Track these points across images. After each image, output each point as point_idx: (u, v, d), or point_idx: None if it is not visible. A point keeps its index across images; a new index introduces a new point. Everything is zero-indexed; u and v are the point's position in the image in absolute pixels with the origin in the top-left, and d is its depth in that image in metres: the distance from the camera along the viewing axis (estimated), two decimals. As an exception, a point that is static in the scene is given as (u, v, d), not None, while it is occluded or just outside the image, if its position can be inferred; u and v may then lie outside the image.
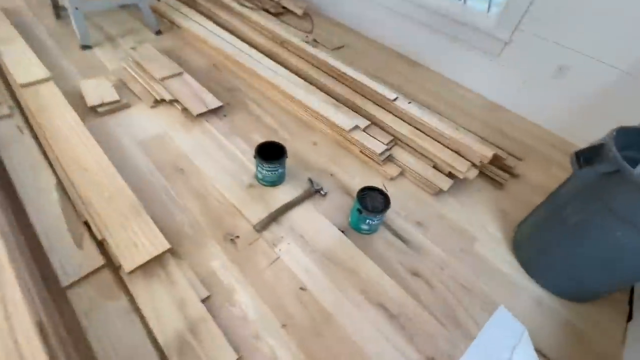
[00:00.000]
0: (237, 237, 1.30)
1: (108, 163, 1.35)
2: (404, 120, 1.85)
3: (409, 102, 1.93)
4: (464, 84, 2.34)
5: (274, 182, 1.50)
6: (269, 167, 1.40)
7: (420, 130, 1.80)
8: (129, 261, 1.07)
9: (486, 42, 2.12)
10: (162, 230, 1.25)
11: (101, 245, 1.14)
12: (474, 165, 1.68)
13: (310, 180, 1.54)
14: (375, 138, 1.74)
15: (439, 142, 1.75)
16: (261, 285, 1.18)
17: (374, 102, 1.93)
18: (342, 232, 1.39)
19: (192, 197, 1.41)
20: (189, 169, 1.52)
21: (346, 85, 2.02)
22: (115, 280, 1.09)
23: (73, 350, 0.91)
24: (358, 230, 1.40)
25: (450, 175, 1.67)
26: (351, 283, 1.23)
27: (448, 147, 1.72)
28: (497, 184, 1.75)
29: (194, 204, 1.38)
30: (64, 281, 1.04)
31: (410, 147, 1.77)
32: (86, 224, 1.19)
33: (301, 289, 1.19)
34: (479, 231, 1.51)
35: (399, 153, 1.75)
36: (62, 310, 0.99)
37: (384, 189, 1.40)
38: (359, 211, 1.31)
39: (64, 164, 1.32)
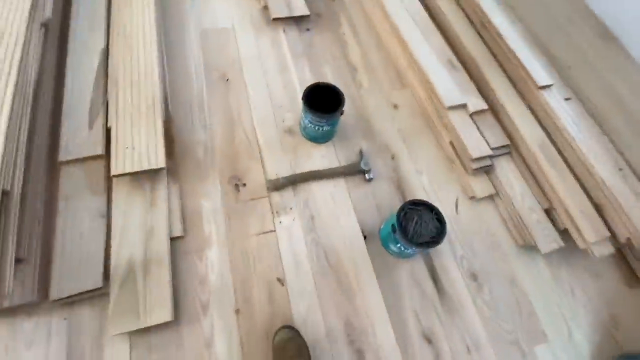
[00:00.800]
0: (244, 185, 1.08)
1: (153, 41, 1.18)
2: (541, 124, 1.20)
3: (567, 99, 1.24)
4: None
5: (316, 139, 1.17)
6: (315, 119, 1.05)
7: (560, 151, 1.16)
8: (119, 164, 0.96)
9: None
10: (174, 141, 1.09)
11: (108, 133, 1.05)
12: (614, 239, 1.04)
13: (361, 154, 1.16)
14: (482, 134, 1.19)
15: (579, 180, 1.11)
16: (239, 252, 0.98)
17: (511, 81, 1.28)
18: (365, 236, 1.05)
19: (222, 118, 1.19)
20: (235, 82, 1.27)
21: (483, 42, 1.37)
22: (106, 175, 1.02)
23: (37, 226, 0.89)
24: (385, 246, 1.04)
25: (564, 233, 1.09)
26: (339, 306, 0.95)
27: (590, 196, 1.09)
28: (634, 279, 1.10)
29: (219, 127, 1.17)
30: (63, 156, 1.00)
31: (529, 167, 1.18)
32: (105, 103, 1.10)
33: (278, 280, 0.96)
34: (559, 330, 1.00)
35: (505, 168, 1.19)
36: (49, 184, 0.97)
37: (442, 214, 0.95)
38: (393, 229, 0.93)
39: (114, 29, 1.19)
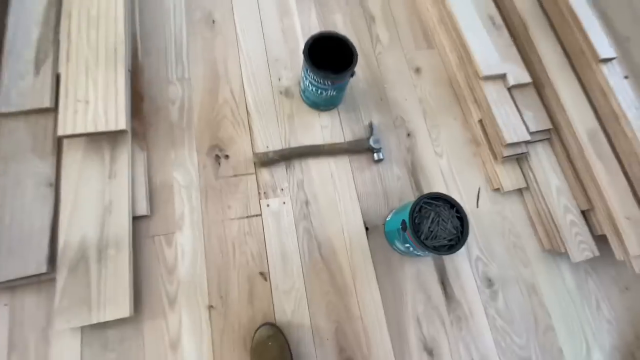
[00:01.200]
0: (226, 157, 0.89)
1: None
2: (593, 107, 0.98)
3: (625, 77, 1.00)
4: None
5: (318, 105, 0.95)
6: (318, 80, 0.84)
7: (611, 142, 0.95)
8: (68, 122, 0.77)
9: None
10: (142, 97, 0.89)
11: (58, 82, 0.84)
12: (663, 253, 0.88)
13: (372, 128, 0.96)
14: (520, 114, 0.97)
15: (630, 180, 0.92)
16: (216, 238, 0.82)
17: (565, 50, 1.04)
18: (367, 228, 0.89)
19: (204, 71, 0.97)
20: (223, 25, 1.02)
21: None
22: (56, 135, 0.82)
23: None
24: (390, 241, 0.88)
25: (599, 239, 0.92)
26: (330, 308, 0.81)
27: (641, 199, 0.90)
28: (675, 298, 0.96)
29: (200, 82, 0.95)
30: (2, 106, 0.80)
31: (571, 159, 0.98)
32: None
33: (261, 274, 0.81)
34: (578, 348, 0.88)
35: (542, 157, 0.99)
36: (-17, 141, 0.78)
37: (465, 213, 0.77)
38: (403, 225, 0.76)
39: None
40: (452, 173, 0.98)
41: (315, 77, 0.83)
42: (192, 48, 0.98)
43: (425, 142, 1.00)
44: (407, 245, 0.78)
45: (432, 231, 0.75)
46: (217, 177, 0.87)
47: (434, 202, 0.77)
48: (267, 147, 0.92)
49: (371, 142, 0.93)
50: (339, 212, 0.89)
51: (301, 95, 0.97)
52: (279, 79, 0.99)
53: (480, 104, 1.00)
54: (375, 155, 0.93)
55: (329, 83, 0.84)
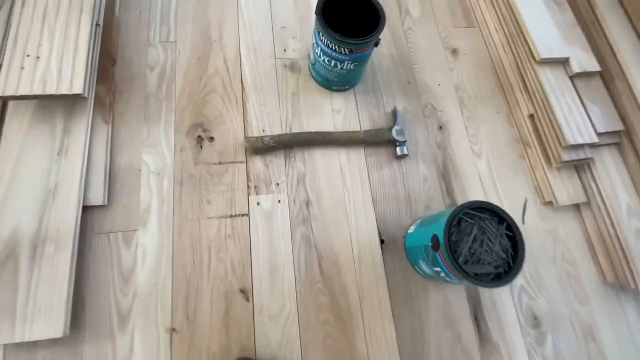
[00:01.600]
0: (211, 139, 0.71)
1: None
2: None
3: None
4: None
5: (331, 83, 0.77)
6: (333, 46, 0.65)
7: None
8: (10, 80, 0.60)
9: None
10: (114, 59, 0.72)
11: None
12: None
13: (395, 115, 0.77)
14: (585, 108, 0.77)
15: None
16: (189, 241, 0.64)
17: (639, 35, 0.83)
18: (382, 241, 0.69)
19: (194, 34, 0.79)
20: (222, -16, 0.85)
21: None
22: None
23: None
24: (412, 260, 0.68)
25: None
26: (329, 342, 0.62)
27: None
28: None
29: (187, 47, 0.78)
30: None
31: (648, 169, 0.77)
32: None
33: (242, 291, 0.63)
34: None
35: (609, 165, 0.78)
36: None
37: (519, 231, 0.57)
38: (434, 243, 0.57)
39: None
40: (492, 178, 0.78)
41: (329, 42, 0.64)
42: (182, 6, 0.81)
43: (461, 137, 0.80)
44: (437, 269, 0.58)
45: (473, 253, 0.55)
46: (196, 163, 0.69)
47: (477, 213, 0.57)
48: (263, 130, 0.73)
49: (394, 133, 0.74)
50: (347, 217, 0.70)
51: (310, 71, 0.79)
52: (284, 50, 0.81)
53: (534, 94, 0.80)
54: (398, 149, 0.74)
55: (347, 51, 0.65)
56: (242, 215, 0.67)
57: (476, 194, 0.76)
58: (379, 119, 0.79)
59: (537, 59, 0.77)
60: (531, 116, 0.81)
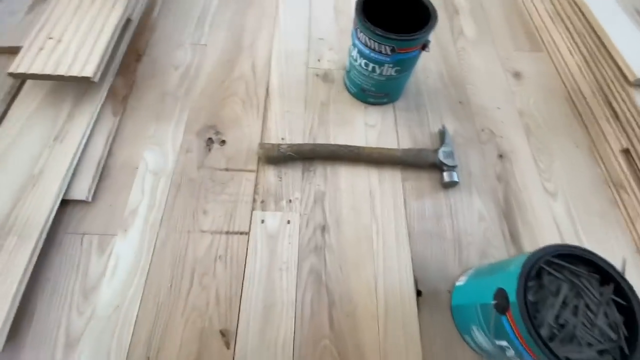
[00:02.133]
0: (222, 142, 0.62)
1: None
2: None
3: None
4: None
5: (365, 94, 0.66)
6: (372, 45, 0.56)
7: None
8: (26, 59, 0.57)
9: None
10: (140, 54, 0.69)
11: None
12: None
13: (443, 135, 0.63)
14: None
15: None
16: (171, 257, 0.52)
17: None
18: (419, 292, 0.51)
19: (226, 39, 0.76)
20: (263, -3, 0.83)
21: None
22: (21, 80, 0.63)
23: None
24: (460, 324, 0.49)
25: None
26: None
27: None
28: None
29: (217, 50, 0.74)
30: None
31: None
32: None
33: (222, 333, 0.47)
34: None
35: None
36: None
37: (634, 293, 0.37)
38: (499, 305, 0.38)
39: None
40: (574, 226, 0.58)
41: (368, 39, 0.55)
42: (219, 15, 0.79)
43: (529, 170, 0.63)
44: (502, 342, 0.39)
45: (563, 325, 0.36)
46: (201, 166, 0.59)
47: (567, 264, 0.38)
48: (282, 139, 0.63)
49: (441, 155, 0.59)
50: (373, 254, 0.53)
51: (344, 80, 0.70)
52: (319, 60, 0.74)
53: (628, 123, 0.62)
54: (445, 174, 0.59)
55: (388, 50, 0.55)
56: (241, 233, 0.54)
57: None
58: (422, 139, 0.65)
59: (631, 80, 0.61)
60: (625, 151, 0.63)
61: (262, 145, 0.60)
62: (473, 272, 0.50)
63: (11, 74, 0.56)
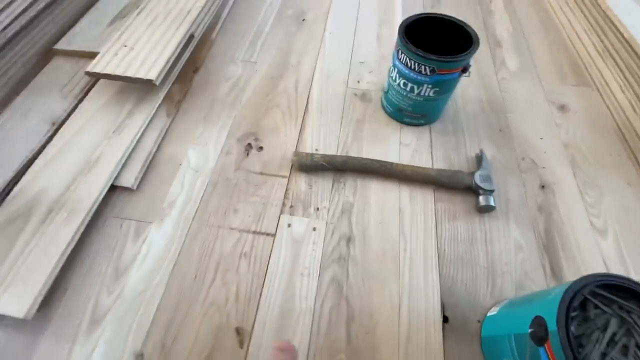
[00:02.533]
0: (260, 148, 0.65)
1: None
2: None
3: None
4: None
5: (402, 114, 0.67)
6: (412, 66, 0.58)
7: None
8: (102, 61, 0.66)
9: None
10: (197, 67, 0.77)
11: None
12: None
13: (480, 159, 0.61)
14: None
15: None
16: (199, 249, 0.54)
17: None
18: (445, 318, 0.48)
19: (274, 58, 0.82)
20: (313, 24, 0.90)
21: None
22: (93, 81, 0.72)
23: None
24: (490, 357, 0.44)
25: None
26: None
27: None
28: None
29: (264, 67, 0.80)
30: (61, 44, 0.76)
31: None
32: None
33: (238, 331, 0.47)
34: None
35: None
36: (30, 71, 0.72)
37: None
38: (536, 334, 0.34)
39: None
40: (624, 265, 0.53)
41: (409, 59, 0.57)
42: (271, 37, 0.86)
43: (574, 204, 0.59)
44: (539, 378, 0.35)
45: (614, 365, 0.31)
46: (237, 169, 0.62)
47: (616, 298, 0.34)
48: (316, 149, 0.65)
49: (477, 179, 0.58)
50: (399, 272, 0.51)
51: (381, 101, 0.72)
52: (358, 81, 0.77)
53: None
54: (481, 198, 0.57)
55: (428, 71, 0.56)
56: (267, 234, 0.55)
57: (601, 286, 0.50)
58: (458, 161, 0.64)
59: (695, 118, 0.57)
60: (690, 194, 0.57)
61: (296, 153, 0.62)
62: (507, 302, 0.46)
63: (88, 73, 0.64)
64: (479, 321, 0.48)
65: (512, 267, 0.53)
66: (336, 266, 0.52)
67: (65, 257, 0.50)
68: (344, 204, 0.58)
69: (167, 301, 0.49)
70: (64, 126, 0.63)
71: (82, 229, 0.52)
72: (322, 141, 0.66)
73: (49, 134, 0.63)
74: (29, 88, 0.70)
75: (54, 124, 0.65)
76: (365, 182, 0.61)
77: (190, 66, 0.77)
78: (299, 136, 0.67)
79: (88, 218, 0.53)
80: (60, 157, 0.59)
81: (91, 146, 0.61)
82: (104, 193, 0.56)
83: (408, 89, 0.61)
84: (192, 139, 0.66)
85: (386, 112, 0.70)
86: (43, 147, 0.61)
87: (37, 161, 0.59)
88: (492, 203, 0.56)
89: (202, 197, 0.59)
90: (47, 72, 0.73)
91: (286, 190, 0.60)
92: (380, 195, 0.59)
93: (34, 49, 0.74)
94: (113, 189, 0.58)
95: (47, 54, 0.76)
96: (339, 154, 0.64)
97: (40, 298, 0.46)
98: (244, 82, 0.76)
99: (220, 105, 0.72)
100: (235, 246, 0.54)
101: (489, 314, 0.48)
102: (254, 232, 0.55)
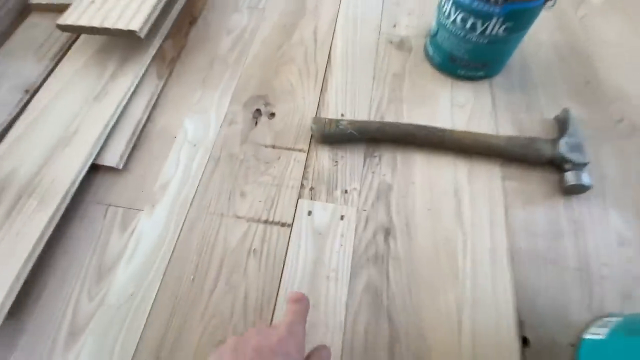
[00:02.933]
0: (272, 114, 0.52)
1: None
2: None
3: None
4: None
5: (453, 65, 0.51)
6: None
7: None
8: (75, 12, 0.53)
9: None
10: (195, 18, 0.63)
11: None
12: None
13: (564, 122, 0.45)
14: None
15: None
16: (197, 244, 0.43)
17: None
18: (525, 340, 0.35)
19: (286, 3, 0.66)
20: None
21: None
22: (70, 40, 0.60)
23: None
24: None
25: None
26: None
27: None
28: None
29: (274, 14, 0.65)
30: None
31: None
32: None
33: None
34: None
35: None
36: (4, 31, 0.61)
37: None
38: None
39: None
40: None
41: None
42: (284, -21, 0.69)
43: None
44: None
45: None
46: (244, 142, 0.50)
47: None
48: (342, 115, 0.51)
49: (563, 148, 0.42)
50: (458, 275, 0.38)
51: (426, 49, 0.55)
52: (394, 25, 0.60)
53: None
54: (569, 175, 0.41)
55: (498, 4, 0.39)
56: (283, 224, 0.43)
57: None
58: (531, 126, 0.48)
59: None
60: None
61: (317, 119, 0.48)
62: (622, 323, 0.32)
63: (59, 26, 0.52)
64: (572, 345, 0.35)
65: (615, 269, 0.38)
66: (372, 268, 0.40)
67: (36, 254, 0.40)
68: (380, 184, 0.45)
69: (159, 310, 0.39)
70: (37, 94, 0.53)
71: (56, 219, 0.43)
72: (350, 104, 0.52)
73: (21, 104, 0.53)
74: (1, 51, 0.59)
75: (27, 91, 0.54)
76: (408, 155, 0.46)
77: (185, 17, 0.63)
78: (320, 99, 0.53)
79: (64, 205, 0.43)
80: (31, 132, 0.49)
81: (68, 116, 0.50)
82: (82, 174, 0.46)
83: (468, 26, 0.45)
84: (189, 106, 0.54)
85: (432, 63, 0.54)
86: (14, 119, 0.51)
87: (6, 137, 0.49)
88: (585, 181, 0.41)
89: (201, 177, 0.47)
90: (21, 32, 0.62)
91: (305, 167, 0.47)
92: (428, 173, 0.45)
93: (8, 5, 0.63)
94: (95, 169, 0.48)
95: (24, 12, 0.64)
96: (371, 119, 0.50)
97: (7, 306, 0.38)
98: (250, 34, 0.62)
99: (222, 64, 0.58)
100: (242, 240, 0.42)
101: (587, 336, 0.34)
102: (266, 222, 0.43)
